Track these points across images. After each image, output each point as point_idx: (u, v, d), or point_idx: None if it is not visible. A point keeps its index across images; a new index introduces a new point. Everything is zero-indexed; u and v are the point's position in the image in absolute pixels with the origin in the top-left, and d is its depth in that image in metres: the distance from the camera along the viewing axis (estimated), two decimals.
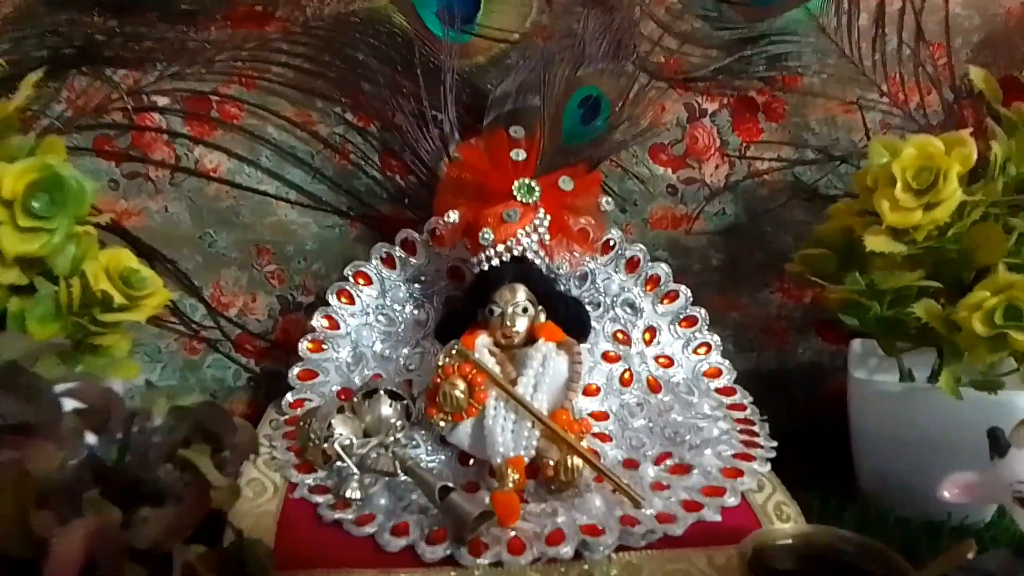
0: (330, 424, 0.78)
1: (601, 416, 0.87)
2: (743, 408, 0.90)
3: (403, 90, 0.95)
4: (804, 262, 0.88)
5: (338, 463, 0.78)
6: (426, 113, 0.94)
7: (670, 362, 0.94)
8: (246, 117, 1.00)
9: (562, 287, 0.92)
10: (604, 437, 0.85)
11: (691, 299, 0.95)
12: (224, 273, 1.04)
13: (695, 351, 0.94)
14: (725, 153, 1.02)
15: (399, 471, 0.75)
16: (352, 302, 0.95)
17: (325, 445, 0.78)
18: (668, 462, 0.81)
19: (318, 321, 0.94)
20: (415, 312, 0.95)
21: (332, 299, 0.95)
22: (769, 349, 1.06)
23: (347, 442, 0.77)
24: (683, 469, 0.79)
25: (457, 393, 0.78)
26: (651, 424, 0.87)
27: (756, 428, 0.86)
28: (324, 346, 0.94)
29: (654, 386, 0.92)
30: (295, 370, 0.93)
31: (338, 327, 0.95)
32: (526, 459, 0.77)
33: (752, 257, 1.04)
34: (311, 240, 1.03)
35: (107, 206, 0.98)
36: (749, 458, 0.80)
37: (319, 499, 0.75)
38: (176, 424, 0.56)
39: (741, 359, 0.99)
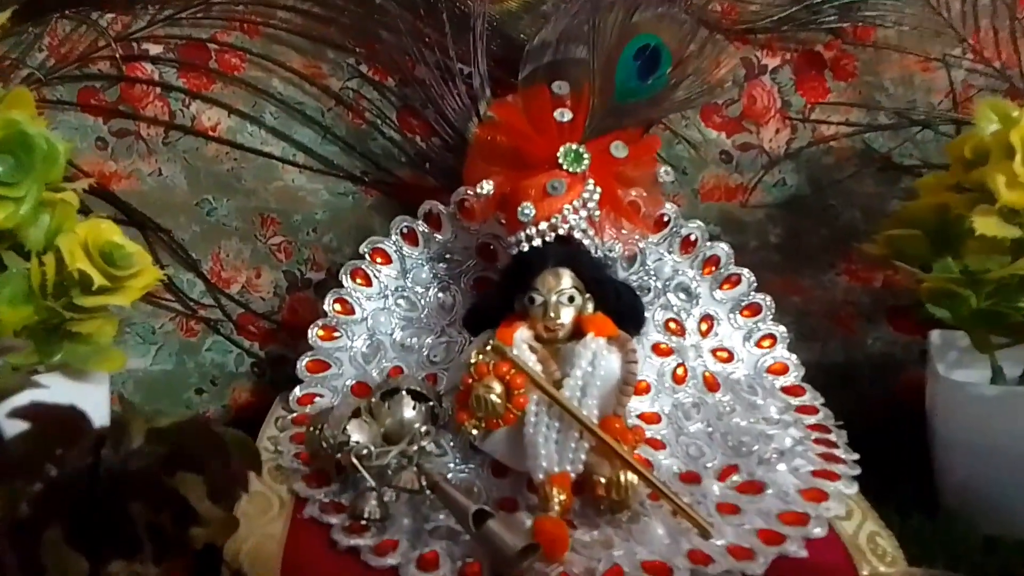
0: (344, 429, 0.70)
1: (652, 418, 0.79)
2: (814, 411, 0.81)
3: (426, 39, 0.89)
4: (890, 244, 0.79)
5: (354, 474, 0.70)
6: (452, 65, 0.88)
7: (730, 356, 0.86)
8: (248, 68, 0.94)
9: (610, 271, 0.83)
10: (656, 443, 0.77)
11: (754, 284, 0.87)
12: (225, 245, 0.97)
13: (758, 344, 0.86)
14: (787, 115, 0.95)
15: (425, 488, 0.66)
16: (368, 283, 0.88)
17: (339, 455, 0.69)
18: (735, 477, 0.72)
19: (330, 305, 0.87)
20: (440, 295, 0.87)
21: (346, 280, 0.87)
22: (835, 338, 0.98)
23: (364, 451, 0.69)
24: (754, 488, 0.70)
25: (493, 397, 0.69)
26: (710, 429, 0.79)
27: (833, 437, 0.77)
28: (336, 334, 0.86)
29: (711, 384, 0.83)
30: (304, 360, 0.85)
31: (353, 312, 0.87)
32: (573, 475, 0.68)
33: (816, 234, 0.96)
34: (321, 209, 0.96)
35: (94, 168, 0.94)
36: (832, 476, 0.71)
37: (333, 520, 0.67)
38: (157, 449, 0.47)
39: (803, 349, 0.90)
